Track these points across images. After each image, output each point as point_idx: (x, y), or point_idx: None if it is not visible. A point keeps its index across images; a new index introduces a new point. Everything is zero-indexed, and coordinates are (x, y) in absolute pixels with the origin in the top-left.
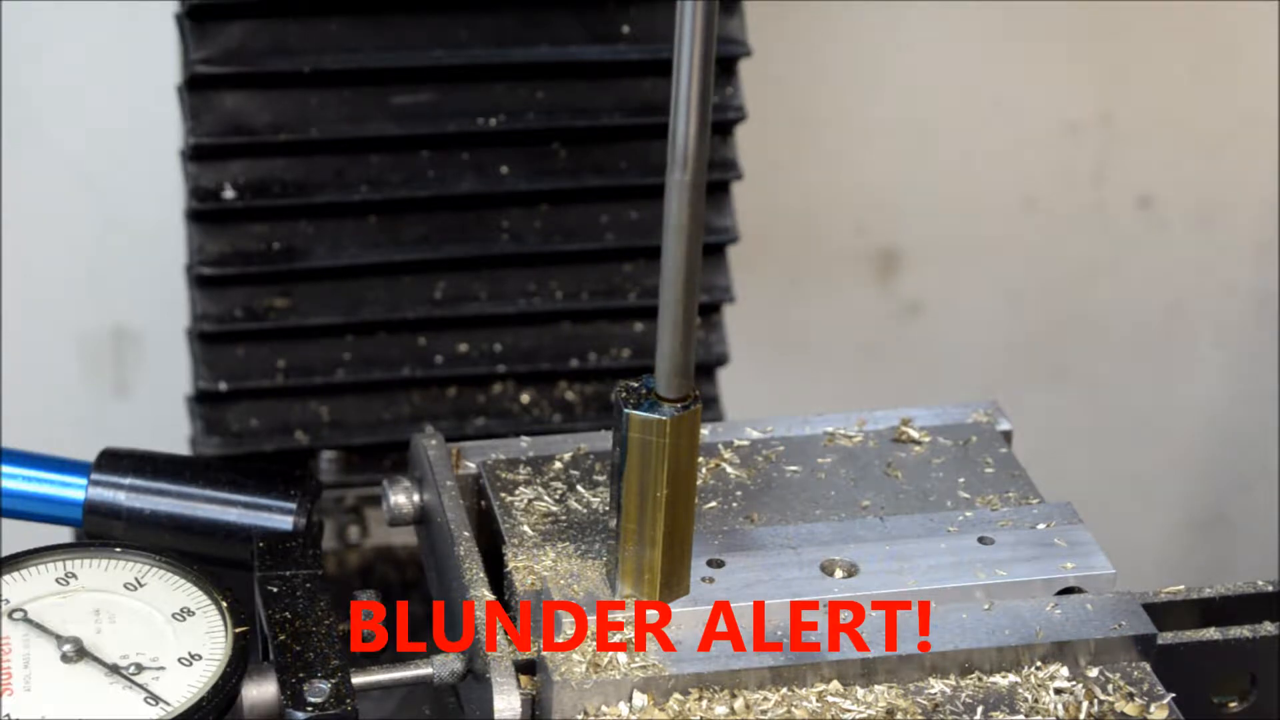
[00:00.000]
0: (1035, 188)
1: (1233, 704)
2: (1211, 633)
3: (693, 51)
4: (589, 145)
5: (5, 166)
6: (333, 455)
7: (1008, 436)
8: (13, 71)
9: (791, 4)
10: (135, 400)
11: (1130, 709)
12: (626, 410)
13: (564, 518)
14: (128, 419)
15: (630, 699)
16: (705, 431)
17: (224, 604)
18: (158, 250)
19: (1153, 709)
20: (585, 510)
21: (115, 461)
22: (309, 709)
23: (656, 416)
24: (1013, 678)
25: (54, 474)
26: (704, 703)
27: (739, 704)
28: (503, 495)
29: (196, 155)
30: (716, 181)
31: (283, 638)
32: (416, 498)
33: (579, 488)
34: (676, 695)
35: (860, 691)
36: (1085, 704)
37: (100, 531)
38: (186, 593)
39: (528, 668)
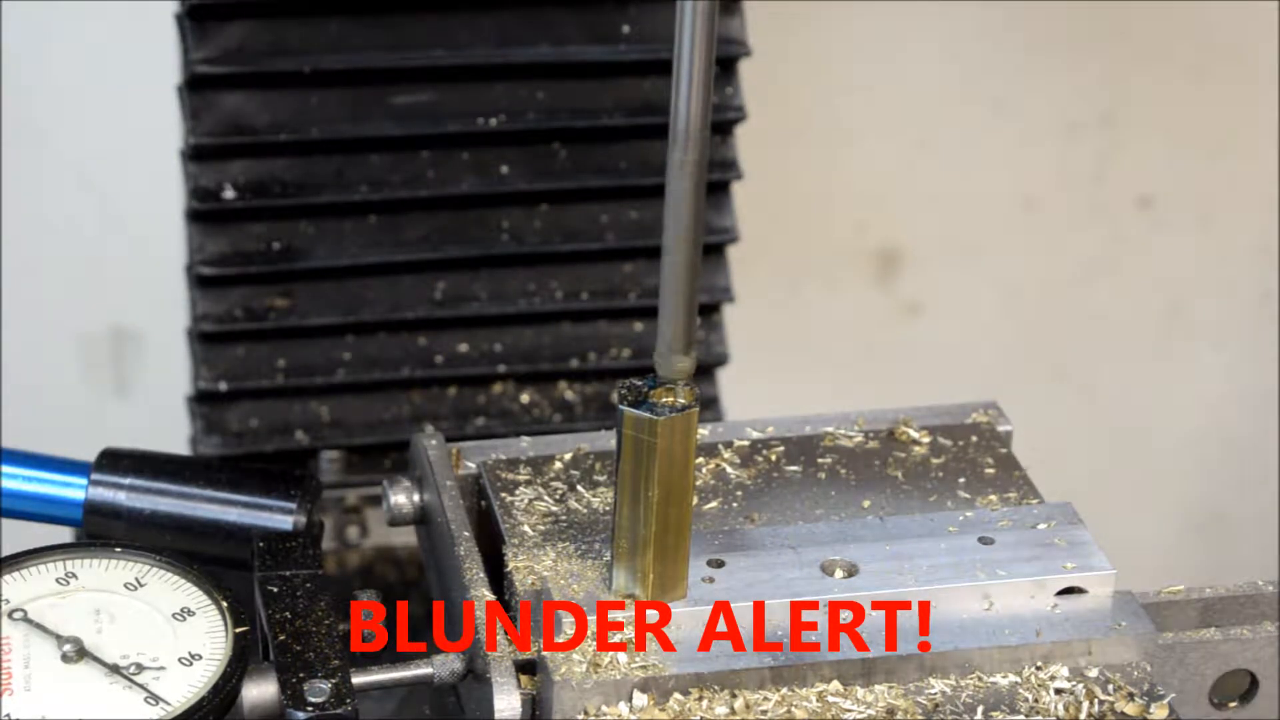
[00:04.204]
0: (1035, 188)
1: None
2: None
3: (693, 51)
4: (589, 145)
5: (5, 166)
6: (333, 455)
7: (1008, 436)
8: (13, 71)
9: (791, 4)
10: (135, 400)
11: (1130, 709)
12: (622, 407)
13: (564, 518)
14: (128, 419)
15: (630, 699)
16: (705, 431)
17: (224, 604)
18: (158, 250)
19: (1153, 709)
20: (585, 510)
21: (115, 461)
22: (309, 709)
23: (648, 415)
24: (1013, 678)
25: (54, 474)
26: (704, 703)
27: (739, 704)
28: (503, 495)
29: (196, 155)
30: (716, 181)
31: (283, 638)
32: (416, 498)
33: (579, 488)
34: (676, 695)
35: (860, 691)
36: (1085, 704)
37: (100, 531)
38: (186, 593)
39: (528, 668)
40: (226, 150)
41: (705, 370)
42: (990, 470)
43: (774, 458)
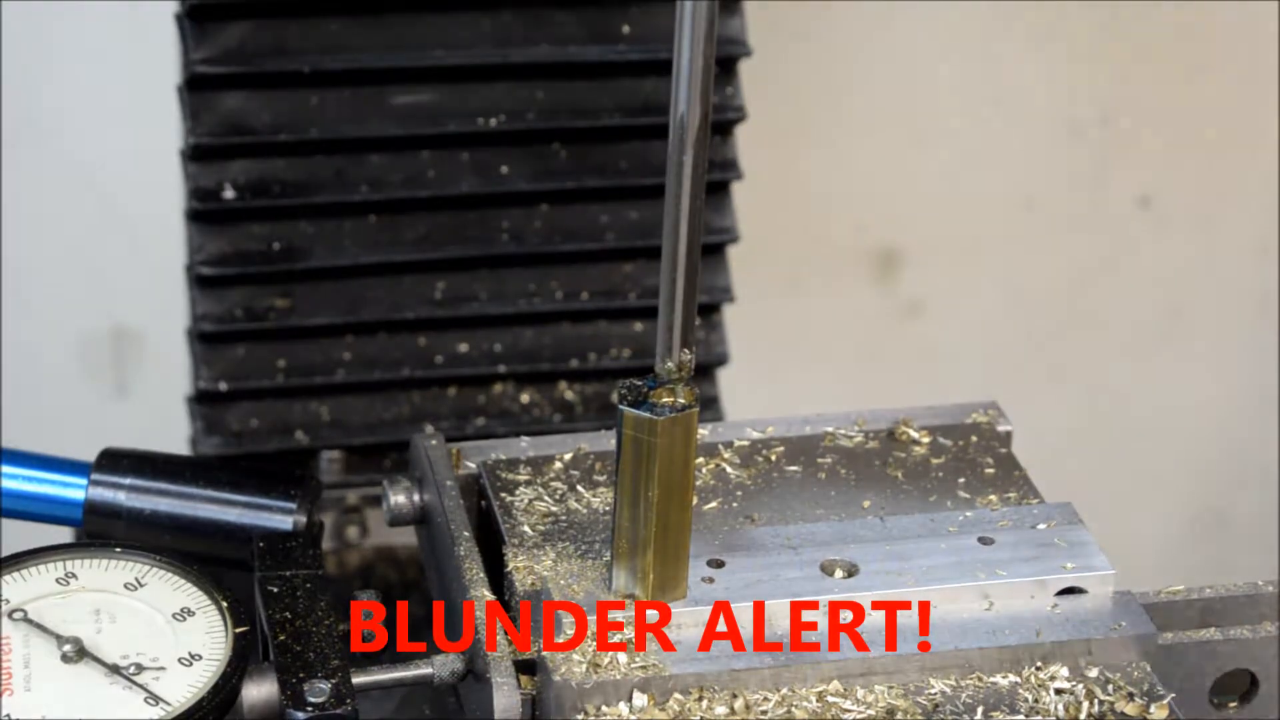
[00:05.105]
0: (1035, 188)
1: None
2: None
3: (693, 51)
4: (589, 145)
5: (5, 166)
6: (333, 455)
7: (1008, 436)
8: (13, 71)
9: (791, 4)
10: (135, 400)
11: (1130, 709)
12: (622, 407)
13: (564, 518)
14: (128, 419)
15: (630, 699)
16: (705, 431)
17: (224, 604)
18: (158, 250)
19: (1153, 709)
20: (585, 510)
21: (115, 461)
22: (309, 709)
23: (648, 415)
24: (1013, 678)
25: (54, 474)
26: (704, 703)
27: (739, 704)
28: (503, 495)
29: (196, 155)
30: (716, 181)
31: (283, 638)
32: (416, 498)
33: (579, 488)
34: (676, 695)
35: (860, 691)
36: (1085, 704)
37: (100, 531)
38: (186, 593)
39: (528, 668)
40: (226, 150)
41: (705, 370)
42: (990, 470)
43: (774, 458)
